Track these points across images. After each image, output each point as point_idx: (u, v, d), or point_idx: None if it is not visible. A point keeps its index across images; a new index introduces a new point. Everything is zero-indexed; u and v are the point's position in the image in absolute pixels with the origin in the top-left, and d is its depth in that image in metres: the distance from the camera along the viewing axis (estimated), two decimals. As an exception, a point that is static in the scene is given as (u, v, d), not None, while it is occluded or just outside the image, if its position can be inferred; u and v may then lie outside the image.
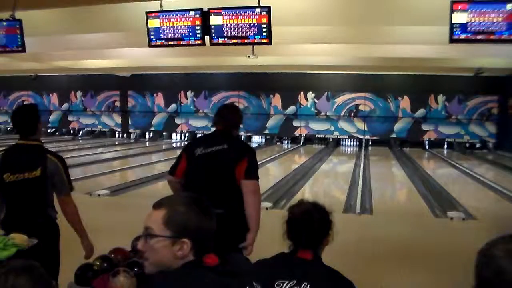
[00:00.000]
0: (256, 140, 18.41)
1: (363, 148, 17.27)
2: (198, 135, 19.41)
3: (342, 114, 18.11)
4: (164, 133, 19.94)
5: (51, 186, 2.83)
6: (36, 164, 2.78)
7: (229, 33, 5.24)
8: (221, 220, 2.95)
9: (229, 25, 5.22)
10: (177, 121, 19.70)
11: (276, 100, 18.62)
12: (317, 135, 18.40)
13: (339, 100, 18.08)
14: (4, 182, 2.79)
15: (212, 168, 3.11)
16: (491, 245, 1.07)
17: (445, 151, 16.94)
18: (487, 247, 1.07)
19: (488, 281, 1.03)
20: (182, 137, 19.51)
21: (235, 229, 3.02)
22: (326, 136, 18.30)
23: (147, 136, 20.17)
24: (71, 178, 3.00)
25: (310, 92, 18.28)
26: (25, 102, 21.52)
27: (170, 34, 5.49)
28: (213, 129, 3.36)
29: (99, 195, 7.65)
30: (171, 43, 5.57)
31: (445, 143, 17.48)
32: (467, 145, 17.34)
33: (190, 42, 5.45)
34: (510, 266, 1.01)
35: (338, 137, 18.23)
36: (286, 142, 18.51)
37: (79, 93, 20.87)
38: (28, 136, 2.87)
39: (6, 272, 1.12)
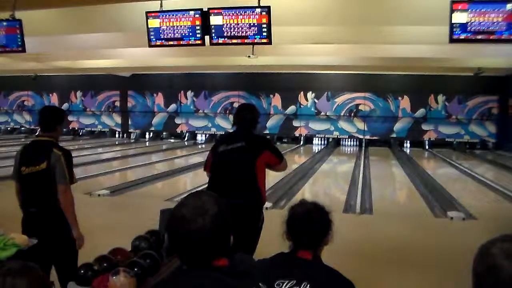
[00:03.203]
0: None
1: (363, 148, 17.26)
2: (198, 134, 19.47)
3: (342, 114, 18.11)
4: (164, 133, 19.95)
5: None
6: (43, 158, 3.04)
7: (229, 33, 5.24)
8: (241, 209, 3.18)
9: (229, 25, 5.22)
10: (177, 121, 19.70)
11: (276, 100, 18.62)
12: (317, 135, 18.41)
13: (339, 100, 18.08)
14: (21, 174, 3.12)
15: (232, 163, 3.47)
16: (489, 243, 1.08)
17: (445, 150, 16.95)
18: (484, 246, 1.08)
19: (482, 276, 1.04)
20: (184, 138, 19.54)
21: (252, 217, 3.42)
22: (326, 136, 18.32)
23: (147, 136, 20.17)
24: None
25: (310, 92, 18.28)
26: (25, 102, 21.58)
27: (170, 34, 5.49)
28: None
29: (99, 195, 7.65)
30: (171, 43, 5.56)
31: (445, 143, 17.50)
32: (467, 145, 17.35)
33: (190, 42, 5.45)
34: (502, 263, 1.02)
35: (338, 137, 18.23)
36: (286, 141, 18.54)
37: (79, 93, 20.88)
38: (44, 132, 3.19)
39: (4, 274, 1.12)
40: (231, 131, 3.77)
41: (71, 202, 3.07)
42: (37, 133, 3.31)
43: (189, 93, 19.49)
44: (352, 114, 18.04)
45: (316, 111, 18.31)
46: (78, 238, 3.10)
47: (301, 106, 18.44)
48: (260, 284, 1.79)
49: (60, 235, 3.05)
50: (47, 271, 3.04)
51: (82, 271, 2.32)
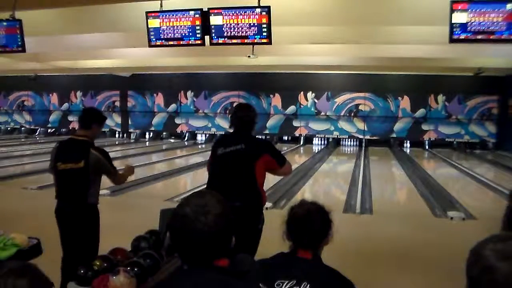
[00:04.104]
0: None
1: (363, 148, 17.26)
2: (198, 134, 19.45)
3: (342, 114, 18.11)
4: (164, 133, 19.95)
5: (98, 174, 3.42)
6: (80, 157, 3.33)
7: (229, 33, 5.24)
8: (240, 211, 3.15)
9: (229, 25, 5.22)
10: (177, 121, 19.70)
11: (276, 100, 18.62)
12: (317, 135, 18.41)
13: (339, 100, 18.07)
14: (57, 169, 3.39)
15: (230, 166, 3.39)
16: (480, 244, 1.07)
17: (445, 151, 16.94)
18: (475, 248, 1.08)
19: (476, 279, 1.04)
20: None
21: (252, 220, 3.37)
22: (326, 136, 18.32)
23: (147, 136, 20.17)
24: None
25: (310, 92, 18.27)
26: (25, 102, 21.59)
27: (170, 34, 5.49)
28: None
29: (99, 195, 7.64)
30: (171, 43, 5.56)
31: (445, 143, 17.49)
32: (467, 145, 17.34)
33: (190, 42, 5.45)
34: (497, 265, 1.01)
35: (338, 137, 18.23)
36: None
37: (79, 93, 20.87)
38: (81, 129, 3.48)
39: (5, 274, 1.12)
40: (229, 132, 3.69)
41: (122, 179, 3.66)
42: (75, 131, 3.68)
43: (189, 93, 19.50)
44: (352, 114, 18.03)
45: (316, 111, 18.30)
46: (130, 171, 3.77)
47: (301, 106, 18.43)
48: (260, 284, 1.79)
49: (86, 230, 3.33)
50: (89, 248, 3.29)
51: (82, 271, 2.32)
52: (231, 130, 3.60)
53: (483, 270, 1.03)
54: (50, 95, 21.22)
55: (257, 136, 3.83)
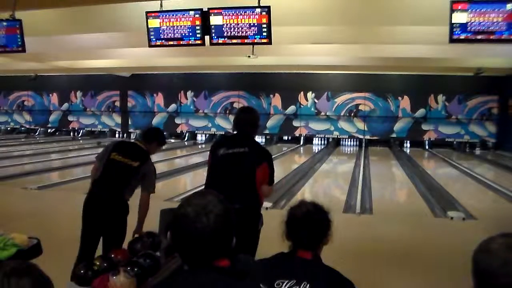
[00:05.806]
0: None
1: (363, 148, 17.26)
2: (198, 134, 19.45)
3: (342, 114, 18.10)
4: (164, 133, 19.91)
5: (140, 180, 3.58)
6: (138, 158, 3.57)
7: (229, 33, 5.24)
8: (238, 214, 3.11)
9: (229, 25, 5.22)
10: (177, 121, 19.70)
11: (276, 100, 18.61)
12: (317, 135, 18.41)
13: (339, 100, 18.07)
14: (109, 157, 3.60)
15: (232, 168, 3.37)
16: (486, 242, 1.07)
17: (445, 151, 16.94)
18: (484, 243, 1.08)
19: (489, 273, 1.04)
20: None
21: (249, 222, 3.34)
22: (326, 136, 18.32)
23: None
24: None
25: (310, 92, 18.27)
26: (25, 103, 21.60)
27: (170, 34, 5.49)
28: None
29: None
30: (171, 43, 5.57)
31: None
32: (467, 145, 17.34)
33: (190, 42, 5.46)
34: (509, 256, 1.01)
35: (338, 137, 18.23)
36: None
37: (79, 93, 20.87)
38: (143, 140, 3.76)
39: (8, 274, 1.12)
40: (231, 134, 3.70)
41: (147, 208, 3.60)
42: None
43: (189, 93, 19.50)
44: (352, 114, 18.03)
45: (316, 111, 18.30)
46: (138, 232, 3.48)
47: (301, 106, 18.43)
48: (260, 285, 1.79)
49: (117, 222, 3.45)
50: (117, 239, 3.37)
51: (82, 271, 2.32)
52: (234, 132, 3.60)
53: (494, 264, 1.03)
54: (50, 95, 21.22)
55: (256, 137, 3.83)
